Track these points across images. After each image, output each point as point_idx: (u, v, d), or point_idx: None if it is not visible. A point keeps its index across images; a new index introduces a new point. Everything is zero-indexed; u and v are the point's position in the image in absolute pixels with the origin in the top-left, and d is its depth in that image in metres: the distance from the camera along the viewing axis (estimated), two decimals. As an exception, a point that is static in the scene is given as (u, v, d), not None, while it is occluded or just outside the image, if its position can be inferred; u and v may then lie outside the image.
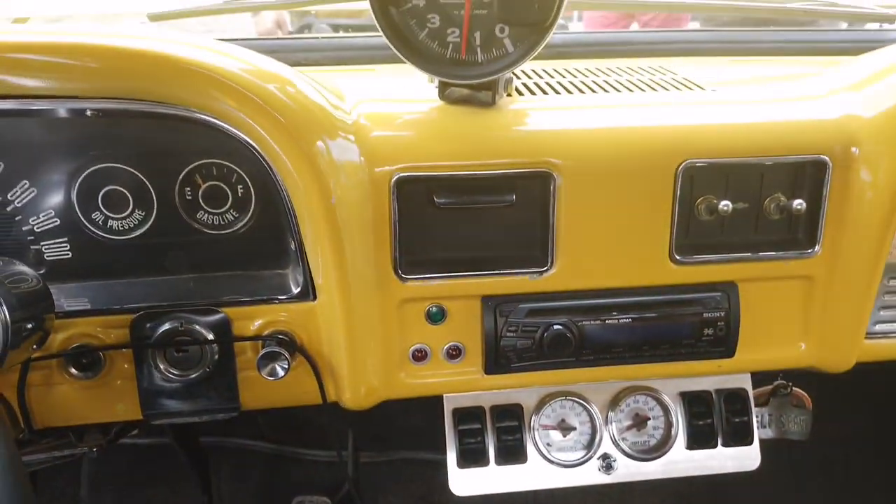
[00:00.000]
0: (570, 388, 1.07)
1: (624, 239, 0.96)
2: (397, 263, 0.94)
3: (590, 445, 1.07)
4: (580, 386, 1.07)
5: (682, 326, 0.99)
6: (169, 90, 0.88)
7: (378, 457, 1.69)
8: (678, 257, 0.98)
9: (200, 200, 0.98)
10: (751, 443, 1.08)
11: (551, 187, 0.93)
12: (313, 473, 1.72)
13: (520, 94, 1.03)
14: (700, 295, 0.99)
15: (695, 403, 1.08)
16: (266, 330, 0.96)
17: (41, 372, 0.94)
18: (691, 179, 0.96)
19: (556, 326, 0.97)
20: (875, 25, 1.54)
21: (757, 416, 1.11)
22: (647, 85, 1.07)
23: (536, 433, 1.06)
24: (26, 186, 0.95)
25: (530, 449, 1.06)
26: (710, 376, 1.09)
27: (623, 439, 1.07)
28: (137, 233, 0.98)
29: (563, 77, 1.12)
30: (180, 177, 0.97)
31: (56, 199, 0.96)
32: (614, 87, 1.06)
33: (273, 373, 0.93)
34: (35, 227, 0.96)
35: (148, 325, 0.94)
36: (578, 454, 1.07)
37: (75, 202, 0.96)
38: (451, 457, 1.05)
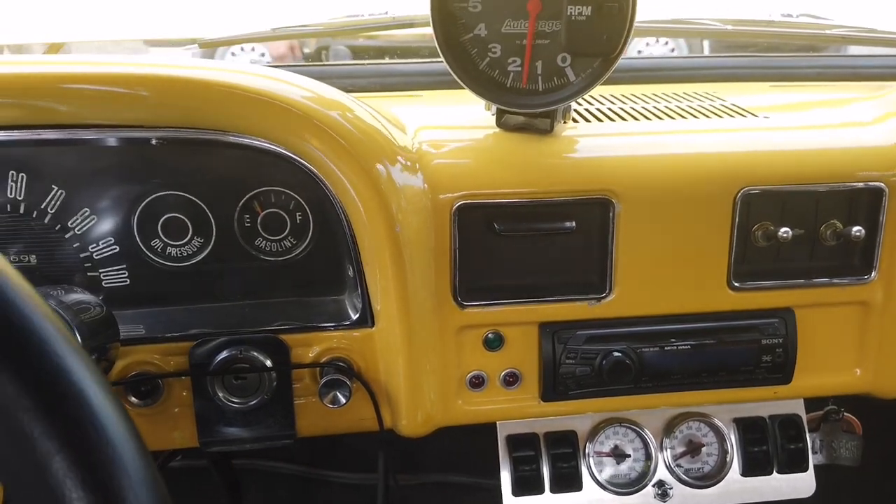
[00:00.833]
0: (624, 414, 1.06)
1: (682, 265, 0.96)
2: (456, 290, 0.94)
3: (644, 473, 1.06)
4: (633, 413, 1.06)
5: (740, 353, 0.98)
6: (232, 120, 0.88)
7: (412, 480, 1.65)
8: (736, 283, 0.97)
9: (259, 228, 0.98)
10: (806, 469, 1.08)
11: (611, 214, 0.93)
12: (342, 497, 1.70)
13: (574, 120, 1.03)
14: (758, 321, 0.98)
15: (749, 430, 1.08)
16: (324, 357, 0.95)
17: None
18: (748, 206, 0.96)
19: (615, 353, 0.96)
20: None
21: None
22: (699, 112, 1.07)
23: (591, 460, 1.05)
24: (87, 214, 0.95)
25: (585, 476, 1.05)
26: (762, 402, 1.08)
27: (678, 466, 1.06)
28: (196, 259, 0.98)
29: (614, 103, 1.13)
30: (239, 204, 0.97)
31: (116, 226, 0.95)
32: (667, 114, 1.06)
33: (335, 401, 0.92)
34: (94, 254, 0.96)
35: (206, 352, 0.93)
36: (633, 481, 1.06)
37: (135, 229, 0.96)
38: (506, 484, 1.04)
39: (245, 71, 0.91)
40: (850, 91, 1.28)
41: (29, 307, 0.44)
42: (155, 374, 0.93)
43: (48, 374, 0.43)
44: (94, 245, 0.96)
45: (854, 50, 1.64)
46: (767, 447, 1.07)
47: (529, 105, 0.92)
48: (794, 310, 0.99)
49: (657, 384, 0.99)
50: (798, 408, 1.09)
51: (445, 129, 0.98)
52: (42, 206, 0.93)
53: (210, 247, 0.98)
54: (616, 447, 1.06)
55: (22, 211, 0.92)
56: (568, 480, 1.04)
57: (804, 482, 1.08)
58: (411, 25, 1.23)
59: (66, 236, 0.95)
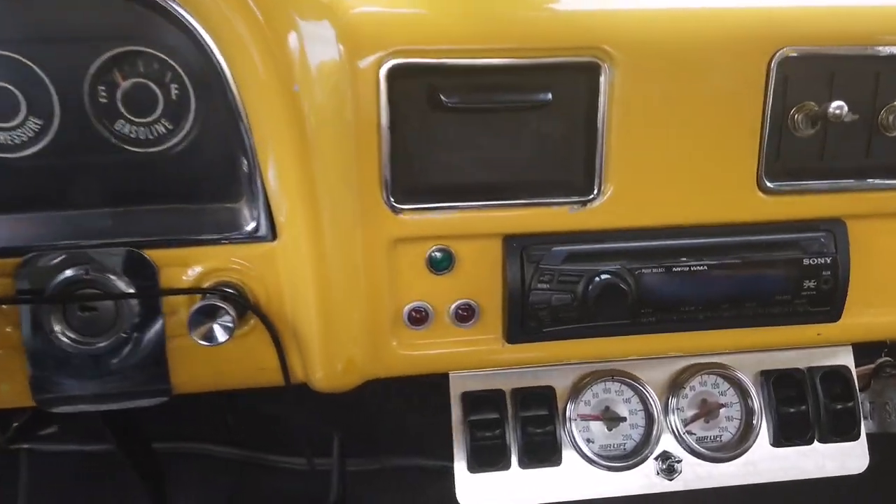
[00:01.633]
0: (617, 365, 0.95)
1: (696, 158, 0.84)
2: (388, 188, 0.82)
3: (644, 442, 0.95)
4: (629, 363, 0.95)
5: (773, 277, 0.86)
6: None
7: (368, 464, 1.57)
8: (769, 184, 0.86)
9: (120, 105, 0.83)
10: (857, 437, 0.97)
11: (601, 83, 0.81)
12: (289, 484, 1.61)
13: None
14: (798, 235, 0.87)
15: (782, 385, 0.97)
16: (207, 281, 0.83)
17: None
18: (785, 78, 0.84)
19: (604, 275, 0.83)
20: None
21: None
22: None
23: (573, 425, 0.95)
24: None
25: (565, 446, 0.95)
26: (798, 349, 0.97)
27: (688, 433, 0.95)
28: (32, 149, 0.83)
29: None
30: (91, 71, 0.82)
31: None
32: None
33: (209, 336, 0.78)
34: None
35: (40, 272, 0.80)
36: (629, 453, 0.96)
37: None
38: (460, 458, 0.94)
39: None
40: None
41: None
42: (-37, 303, 0.82)
43: None
44: None
45: None
46: (807, 408, 0.96)
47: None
48: (846, 221, 0.89)
49: (661, 320, 0.87)
50: (846, 357, 0.98)
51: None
52: None
53: (52, 132, 0.83)
54: (606, 408, 0.95)
55: None
56: (542, 452, 0.94)
57: (855, 455, 0.97)
58: None
59: None
